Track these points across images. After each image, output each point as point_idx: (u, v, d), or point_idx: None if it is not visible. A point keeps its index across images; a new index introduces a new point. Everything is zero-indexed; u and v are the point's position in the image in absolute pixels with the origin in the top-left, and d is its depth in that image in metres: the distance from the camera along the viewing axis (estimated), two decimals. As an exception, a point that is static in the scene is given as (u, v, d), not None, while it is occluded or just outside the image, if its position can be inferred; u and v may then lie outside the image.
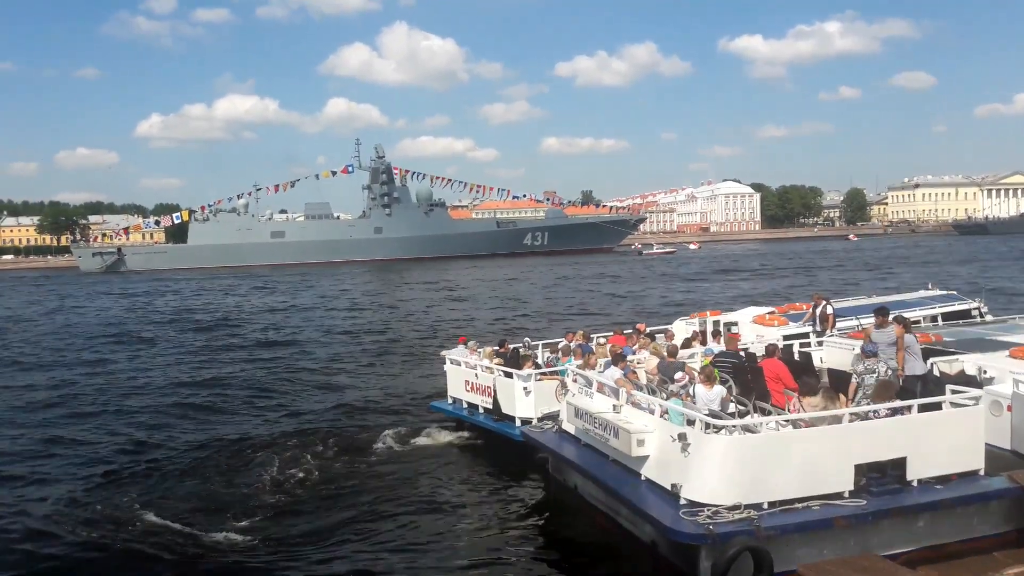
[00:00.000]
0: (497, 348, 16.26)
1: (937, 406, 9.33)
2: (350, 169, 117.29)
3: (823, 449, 8.69)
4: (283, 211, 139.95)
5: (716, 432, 8.68)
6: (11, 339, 36.02)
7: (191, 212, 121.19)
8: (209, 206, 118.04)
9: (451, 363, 16.31)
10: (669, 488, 8.86)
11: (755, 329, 16.96)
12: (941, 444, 9.02)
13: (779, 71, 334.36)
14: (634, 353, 14.16)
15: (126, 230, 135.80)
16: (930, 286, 21.58)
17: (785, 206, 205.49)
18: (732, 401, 10.76)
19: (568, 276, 68.79)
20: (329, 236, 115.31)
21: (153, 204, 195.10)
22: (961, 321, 17.62)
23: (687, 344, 15.96)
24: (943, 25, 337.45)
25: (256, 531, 11.23)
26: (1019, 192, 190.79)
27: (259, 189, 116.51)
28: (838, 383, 11.48)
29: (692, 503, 8.50)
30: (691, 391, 10.51)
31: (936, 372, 11.55)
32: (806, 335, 15.84)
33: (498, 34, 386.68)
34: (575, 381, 11.95)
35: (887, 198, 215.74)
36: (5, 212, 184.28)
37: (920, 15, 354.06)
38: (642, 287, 55.03)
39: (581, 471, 10.60)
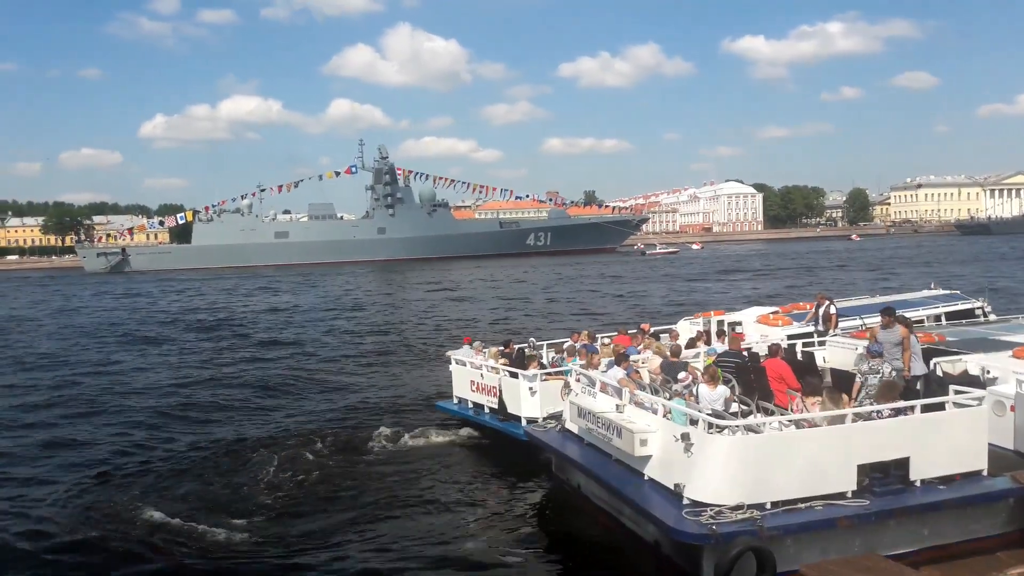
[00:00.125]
0: (502, 348, 16.28)
1: (940, 406, 9.32)
2: (353, 170, 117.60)
3: (826, 449, 8.70)
4: (287, 211, 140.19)
5: (719, 432, 8.69)
6: (15, 339, 36.12)
7: (195, 212, 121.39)
8: (213, 206, 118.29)
9: (456, 363, 16.35)
10: (672, 488, 8.88)
11: (759, 329, 16.96)
12: (944, 444, 9.02)
13: (781, 71, 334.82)
14: (639, 353, 14.19)
15: (130, 230, 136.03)
16: (932, 286, 21.57)
17: (787, 206, 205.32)
18: (735, 401, 10.78)
19: (571, 276, 68.78)
20: (333, 236, 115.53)
21: (157, 204, 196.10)
22: (964, 321, 17.59)
23: (691, 344, 15.98)
24: (945, 25, 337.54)
25: (258, 530, 11.26)
26: (1022, 192, 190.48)
27: (263, 190, 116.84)
28: (841, 383, 11.49)
29: (695, 503, 8.51)
30: (694, 391, 10.54)
31: (939, 372, 11.53)
32: (811, 335, 15.84)
33: (501, 35, 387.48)
34: (578, 381, 11.98)
35: (889, 198, 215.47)
36: (10, 212, 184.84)
37: (922, 15, 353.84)
38: (645, 287, 55.01)
39: (584, 471, 10.61)
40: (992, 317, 18.19)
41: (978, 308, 18.85)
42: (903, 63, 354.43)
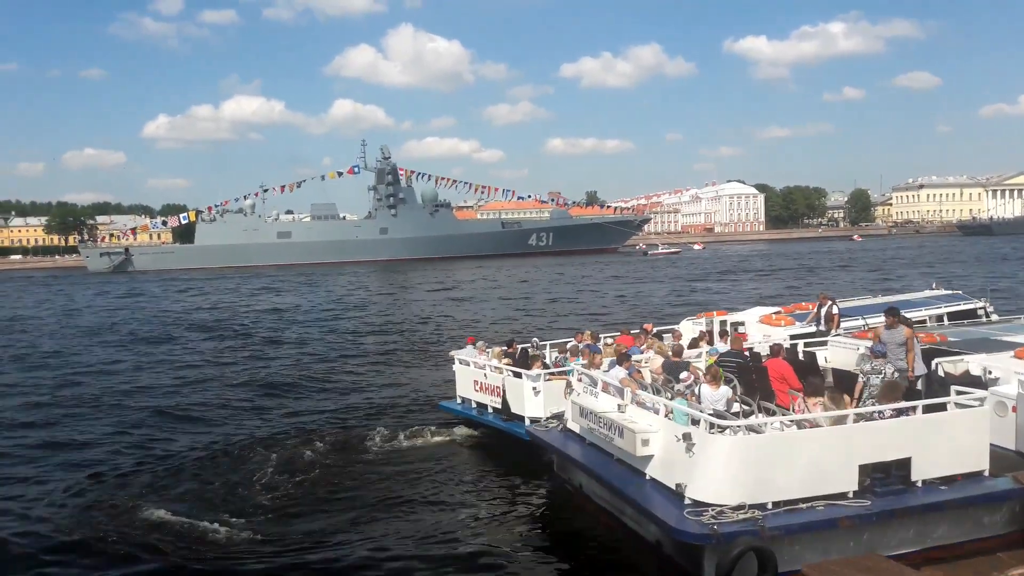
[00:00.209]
0: (505, 348, 16.30)
1: (942, 407, 9.33)
2: (356, 170, 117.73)
3: (828, 449, 8.72)
4: (289, 212, 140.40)
5: (721, 432, 8.71)
6: (17, 338, 36.21)
7: (198, 212, 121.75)
8: (216, 206, 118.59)
9: (460, 363, 16.36)
10: (674, 488, 8.90)
11: (762, 329, 16.98)
12: (946, 445, 9.03)
13: (783, 72, 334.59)
14: (642, 353, 14.21)
15: (133, 230, 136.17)
16: (934, 285, 21.57)
17: (789, 207, 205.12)
18: (736, 401, 10.79)
19: (573, 277, 68.80)
20: (335, 236, 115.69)
21: (160, 204, 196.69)
22: (967, 321, 17.60)
23: (694, 344, 16.00)
24: (947, 25, 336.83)
25: (260, 530, 11.27)
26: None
27: (266, 190, 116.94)
28: (842, 383, 11.51)
29: (697, 503, 8.53)
30: (696, 391, 10.56)
31: (941, 372, 11.55)
32: (814, 335, 15.86)
33: (503, 35, 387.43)
34: (580, 380, 12.00)
35: (891, 199, 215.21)
36: (13, 212, 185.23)
37: (924, 15, 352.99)
38: (647, 287, 55.02)
39: (586, 470, 10.63)
40: (994, 317, 18.19)
41: (980, 308, 18.85)
42: (905, 63, 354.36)
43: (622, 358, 12.19)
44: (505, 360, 15.50)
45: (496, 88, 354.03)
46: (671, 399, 10.09)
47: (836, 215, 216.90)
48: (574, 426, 11.50)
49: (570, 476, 11.83)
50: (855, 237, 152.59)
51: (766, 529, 8.06)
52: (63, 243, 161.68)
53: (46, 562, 10.46)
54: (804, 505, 8.48)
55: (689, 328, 18.17)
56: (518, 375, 14.40)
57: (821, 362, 13.55)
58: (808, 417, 9.45)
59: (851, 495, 8.62)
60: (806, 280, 55.93)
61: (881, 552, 8.47)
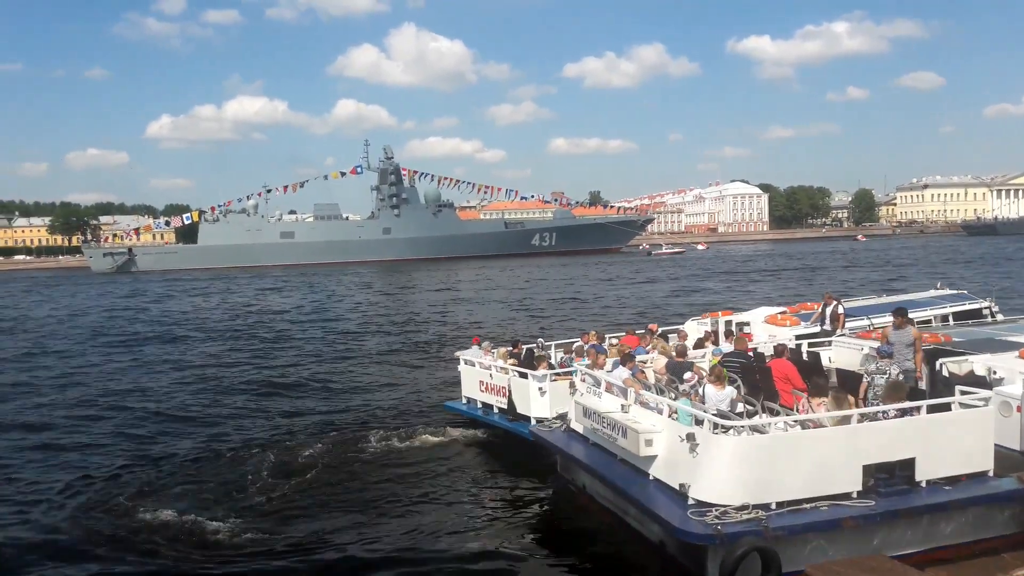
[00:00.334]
0: (511, 348, 16.34)
1: (946, 407, 9.33)
2: (359, 170, 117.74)
3: (832, 449, 8.71)
4: (292, 212, 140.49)
5: (724, 432, 8.70)
6: (19, 338, 36.30)
7: (201, 213, 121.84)
8: (219, 207, 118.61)
9: (465, 363, 16.39)
10: (677, 488, 8.90)
11: (767, 329, 16.96)
12: (950, 445, 9.01)
13: (787, 72, 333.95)
14: (647, 353, 14.22)
15: (137, 230, 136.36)
16: (939, 285, 21.52)
17: (793, 207, 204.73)
18: (740, 401, 10.79)
19: (576, 277, 68.79)
20: (338, 237, 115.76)
21: (163, 204, 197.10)
22: (971, 321, 17.56)
23: (699, 344, 15.99)
24: (951, 25, 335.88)
25: (261, 530, 11.28)
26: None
27: (269, 190, 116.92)
28: (847, 383, 11.49)
29: (700, 503, 8.52)
30: (700, 391, 10.55)
31: (945, 373, 11.53)
32: (819, 335, 15.84)
33: (506, 35, 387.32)
34: (583, 381, 12.01)
35: (895, 199, 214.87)
36: (17, 212, 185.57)
37: (928, 15, 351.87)
38: (651, 287, 54.99)
39: (589, 470, 10.63)
40: (1000, 317, 18.16)
41: (985, 308, 18.79)
42: (909, 63, 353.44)
43: (626, 358, 12.21)
44: (510, 360, 15.54)
45: (499, 88, 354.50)
46: (675, 399, 10.09)
47: (840, 215, 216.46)
48: (578, 426, 11.50)
49: (574, 476, 11.83)
50: (859, 237, 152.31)
51: (770, 529, 8.05)
52: (66, 243, 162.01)
53: (45, 563, 10.47)
54: (808, 505, 8.47)
55: (694, 328, 18.16)
56: (524, 375, 14.42)
57: (825, 362, 13.54)
58: (812, 417, 9.44)
59: (855, 495, 8.61)
60: (810, 280, 55.87)
61: (885, 552, 8.45)
